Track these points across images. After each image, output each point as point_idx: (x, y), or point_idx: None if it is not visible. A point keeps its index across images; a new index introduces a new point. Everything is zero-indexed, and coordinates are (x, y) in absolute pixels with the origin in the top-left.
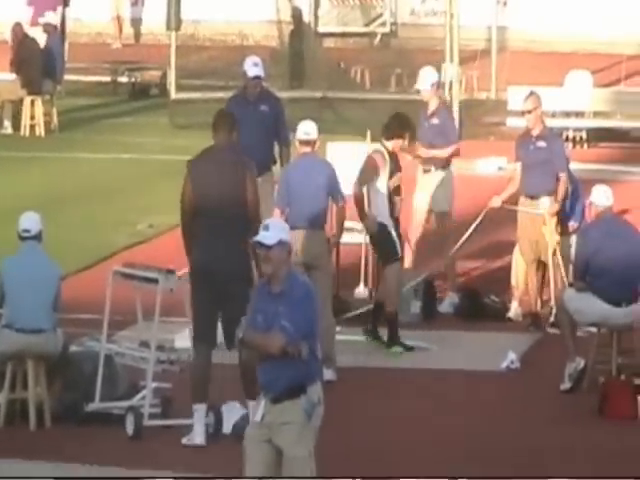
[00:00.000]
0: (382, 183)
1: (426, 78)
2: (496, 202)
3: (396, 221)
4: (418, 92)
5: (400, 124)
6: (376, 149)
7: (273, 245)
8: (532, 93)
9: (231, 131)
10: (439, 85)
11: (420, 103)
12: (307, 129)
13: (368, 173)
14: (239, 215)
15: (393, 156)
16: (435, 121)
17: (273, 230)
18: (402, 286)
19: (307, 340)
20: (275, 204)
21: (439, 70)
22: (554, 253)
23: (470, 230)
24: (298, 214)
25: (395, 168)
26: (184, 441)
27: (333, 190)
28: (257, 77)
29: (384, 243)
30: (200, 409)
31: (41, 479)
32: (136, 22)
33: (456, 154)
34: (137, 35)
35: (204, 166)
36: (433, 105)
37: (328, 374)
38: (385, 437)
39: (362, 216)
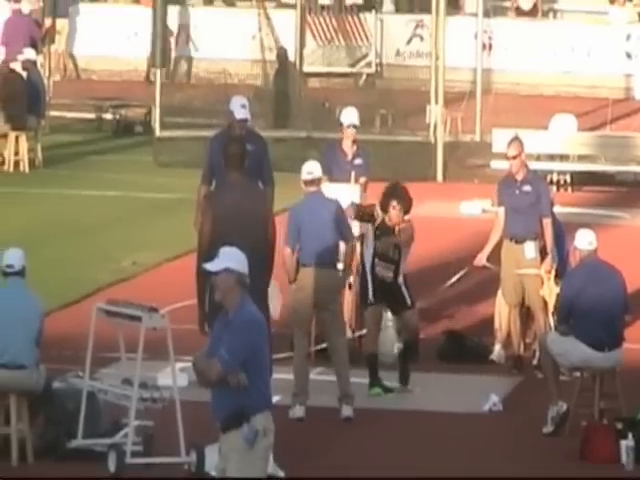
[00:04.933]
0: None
1: (350, 116)
2: (480, 260)
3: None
4: (340, 125)
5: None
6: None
7: (218, 272)
8: (515, 138)
9: (243, 166)
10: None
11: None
12: (310, 169)
13: None
14: (259, 250)
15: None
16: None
17: (222, 258)
18: (379, 329)
19: (248, 369)
20: (285, 244)
21: (424, 111)
22: (545, 303)
23: (453, 280)
24: (309, 252)
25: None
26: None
27: (341, 227)
28: (244, 120)
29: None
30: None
31: None
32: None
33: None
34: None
35: (224, 198)
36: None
37: (346, 410)
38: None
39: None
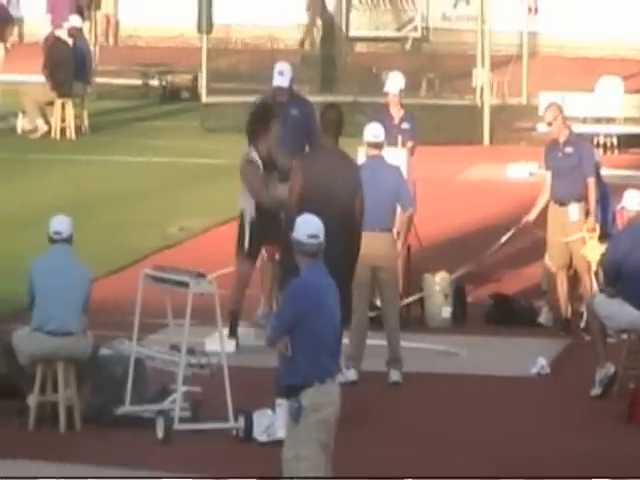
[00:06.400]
0: None
1: (395, 83)
2: (528, 222)
3: None
4: (386, 94)
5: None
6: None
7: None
8: (551, 104)
9: (339, 135)
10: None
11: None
12: (376, 132)
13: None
14: (347, 218)
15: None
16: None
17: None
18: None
19: (295, 338)
20: None
21: (471, 75)
22: (589, 264)
23: (501, 242)
24: (365, 216)
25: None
26: (263, 438)
27: (401, 194)
28: (280, 87)
29: None
30: (283, 404)
31: None
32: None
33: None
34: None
35: (316, 164)
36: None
37: (395, 375)
38: (416, 443)
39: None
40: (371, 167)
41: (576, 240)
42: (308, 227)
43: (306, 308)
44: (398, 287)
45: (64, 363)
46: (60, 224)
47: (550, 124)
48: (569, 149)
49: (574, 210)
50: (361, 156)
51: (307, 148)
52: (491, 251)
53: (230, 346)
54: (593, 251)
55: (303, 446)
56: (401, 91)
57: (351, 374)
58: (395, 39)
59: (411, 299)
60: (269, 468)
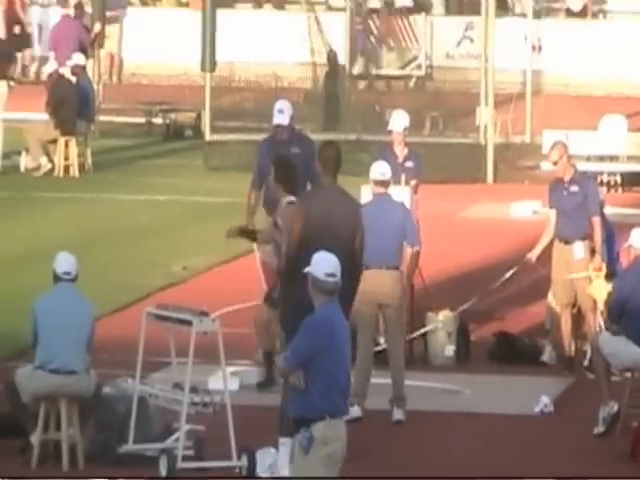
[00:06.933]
0: None
1: (399, 121)
2: (531, 258)
3: None
4: (390, 133)
5: None
6: None
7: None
8: (556, 143)
9: (337, 172)
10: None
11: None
12: (382, 170)
13: None
14: (348, 254)
15: None
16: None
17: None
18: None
19: (309, 372)
20: None
21: (474, 113)
22: (594, 302)
23: (503, 279)
24: (372, 254)
25: None
26: (266, 476)
27: (407, 231)
28: (279, 125)
29: None
30: (286, 442)
31: None
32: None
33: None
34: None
35: (316, 202)
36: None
37: (398, 414)
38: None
39: None
40: (378, 205)
41: (581, 278)
42: (326, 265)
43: (321, 343)
44: (404, 325)
45: (67, 401)
46: (68, 264)
47: (555, 163)
48: (574, 187)
49: (579, 248)
50: (365, 194)
51: (308, 186)
52: (495, 286)
53: (233, 384)
54: (600, 290)
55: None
56: (405, 129)
57: (355, 411)
58: (399, 77)
59: (415, 334)
60: None
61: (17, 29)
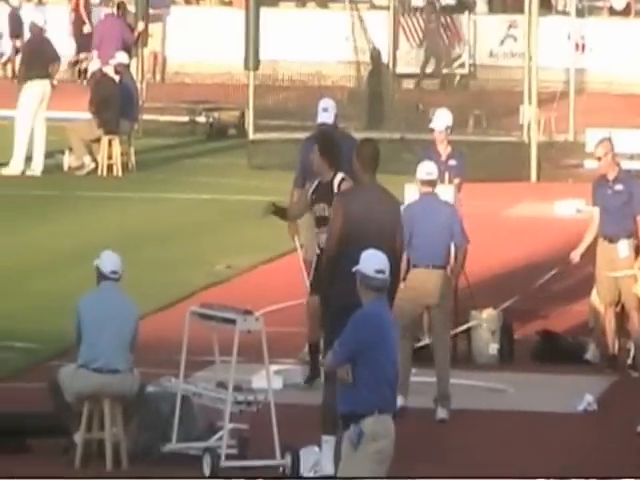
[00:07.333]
0: None
1: (441, 120)
2: (575, 257)
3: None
4: (432, 131)
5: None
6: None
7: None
8: (603, 139)
9: (376, 170)
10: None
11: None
12: (429, 169)
13: None
14: (388, 252)
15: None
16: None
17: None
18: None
19: (357, 366)
20: None
21: (518, 112)
22: (638, 300)
23: (548, 276)
24: (420, 253)
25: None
26: (310, 475)
27: (455, 231)
28: (323, 124)
29: None
30: (330, 441)
31: None
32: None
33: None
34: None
35: (358, 200)
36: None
37: (442, 412)
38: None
39: None
40: (425, 204)
41: (625, 276)
42: (376, 262)
43: (370, 337)
44: (449, 324)
45: (111, 401)
46: (114, 263)
47: (600, 159)
48: (619, 186)
49: (623, 246)
50: (409, 193)
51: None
52: (537, 287)
53: (277, 383)
54: None
55: (362, 474)
56: (447, 128)
57: (398, 400)
58: (442, 76)
59: (459, 329)
60: None
61: (86, 28)
